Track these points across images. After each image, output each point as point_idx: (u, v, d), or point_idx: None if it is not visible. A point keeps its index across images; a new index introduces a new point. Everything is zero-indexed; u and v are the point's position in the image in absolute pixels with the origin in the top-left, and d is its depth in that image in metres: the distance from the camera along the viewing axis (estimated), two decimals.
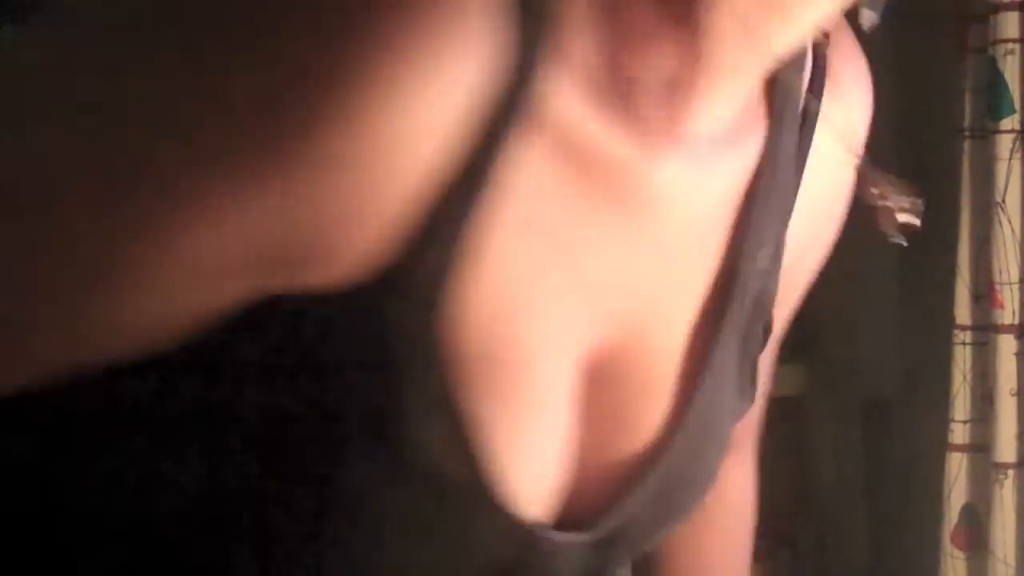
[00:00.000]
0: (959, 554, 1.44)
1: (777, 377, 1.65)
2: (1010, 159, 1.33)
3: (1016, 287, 1.35)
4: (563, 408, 0.44)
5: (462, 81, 0.36)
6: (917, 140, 1.75)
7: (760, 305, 0.50)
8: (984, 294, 1.39)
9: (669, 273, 0.46)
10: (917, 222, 0.49)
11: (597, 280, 0.44)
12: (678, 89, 0.42)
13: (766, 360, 0.59)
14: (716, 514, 0.65)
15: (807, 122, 0.51)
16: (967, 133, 1.40)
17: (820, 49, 0.53)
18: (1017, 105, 1.33)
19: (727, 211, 0.47)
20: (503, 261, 0.40)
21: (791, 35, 0.43)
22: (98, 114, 0.36)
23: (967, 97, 1.40)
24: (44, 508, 0.44)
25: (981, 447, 1.40)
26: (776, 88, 0.49)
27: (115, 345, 0.39)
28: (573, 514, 0.45)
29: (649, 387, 0.47)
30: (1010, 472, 1.35)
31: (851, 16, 0.48)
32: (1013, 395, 1.35)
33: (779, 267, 0.52)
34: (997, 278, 1.35)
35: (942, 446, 1.44)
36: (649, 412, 0.47)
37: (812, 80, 0.52)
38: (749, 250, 0.48)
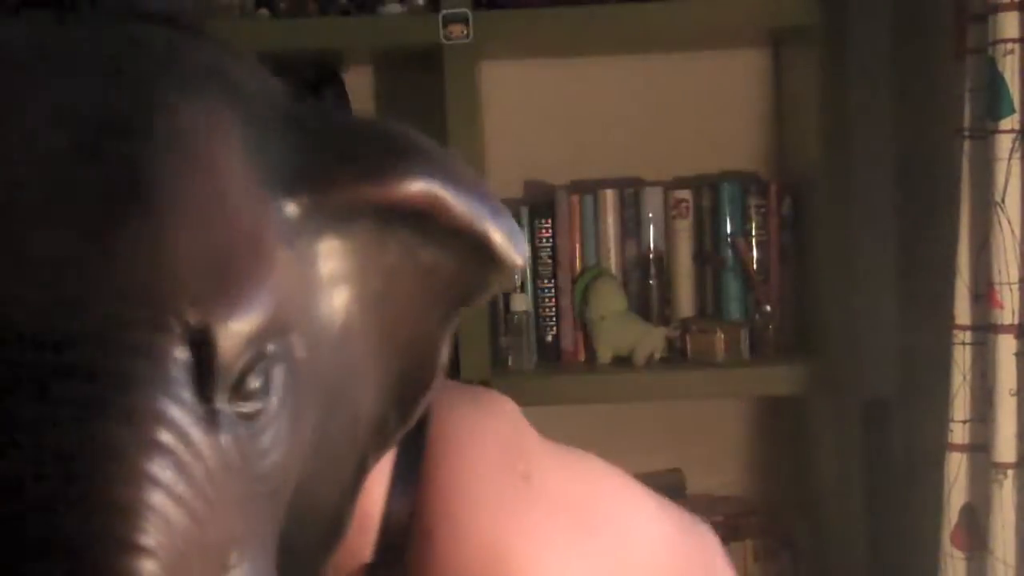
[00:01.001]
0: (959, 554, 1.44)
1: (777, 377, 1.67)
2: (1010, 159, 1.33)
3: (1016, 287, 1.35)
4: None
5: None
6: (917, 140, 1.75)
7: None
8: (983, 294, 1.39)
9: None
10: None
11: None
12: None
13: None
14: None
15: None
16: (966, 133, 1.40)
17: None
18: (1016, 105, 1.32)
19: None
20: None
21: None
22: None
23: (966, 97, 1.40)
24: None
25: (981, 447, 1.40)
26: None
27: None
28: None
29: None
30: (1010, 472, 1.35)
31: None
32: (1012, 395, 1.35)
33: None
34: (996, 278, 1.35)
35: (942, 446, 1.44)
36: None
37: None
38: None
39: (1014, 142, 1.33)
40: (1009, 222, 1.34)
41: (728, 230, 1.73)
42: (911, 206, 1.77)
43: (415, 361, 0.47)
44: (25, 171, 0.37)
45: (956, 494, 1.43)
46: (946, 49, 1.55)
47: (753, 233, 1.73)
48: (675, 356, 1.70)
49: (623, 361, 1.68)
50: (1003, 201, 1.33)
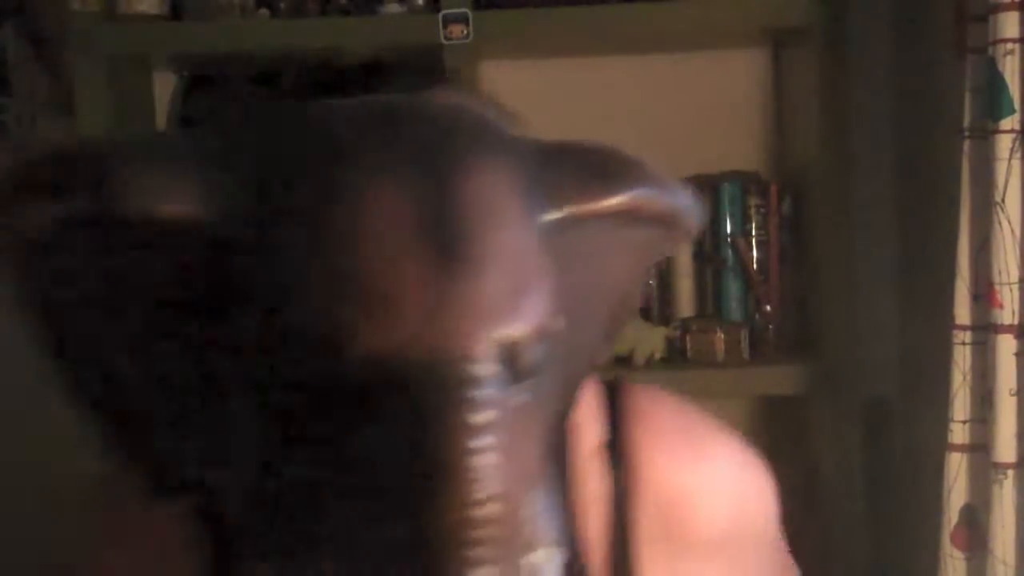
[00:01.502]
0: (959, 554, 1.44)
1: (777, 377, 1.67)
2: (1010, 159, 1.33)
3: (1016, 287, 1.35)
4: None
5: None
6: (917, 140, 1.75)
7: None
8: (983, 294, 1.39)
9: None
10: None
11: None
12: None
13: None
14: None
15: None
16: (967, 133, 1.40)
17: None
18: (1017, 105, 1.32)
19: None
20: None
21: None
22: None
23: (966, 97, 1.40)
24: None
25: (981, 447, 1.40)
26: None
27: None
28: None
29: None
30: (1009, 472, 1.35)
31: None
32: (1012, 395, 1.35)
33: None
34: (996, 278, 1.35)
35: (942, 446, 1.44)
36: None
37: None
38: None
39: (1014, 142, 1.33)
40: (1009, 222, 1.34)
41: (728, 230, 1.73)
42: (911, 206, 1.77)
43: (620, 305, 0.67)
44: (387, 239, 0.52)
45: (956, 494, 1.43)
46: (946, 49, 1.56)
47: (753, 233, 1.73)
48: (675, 356, 1.70)
49: (623, 361, 1.68)
50: (1003, 201, 1.34)
